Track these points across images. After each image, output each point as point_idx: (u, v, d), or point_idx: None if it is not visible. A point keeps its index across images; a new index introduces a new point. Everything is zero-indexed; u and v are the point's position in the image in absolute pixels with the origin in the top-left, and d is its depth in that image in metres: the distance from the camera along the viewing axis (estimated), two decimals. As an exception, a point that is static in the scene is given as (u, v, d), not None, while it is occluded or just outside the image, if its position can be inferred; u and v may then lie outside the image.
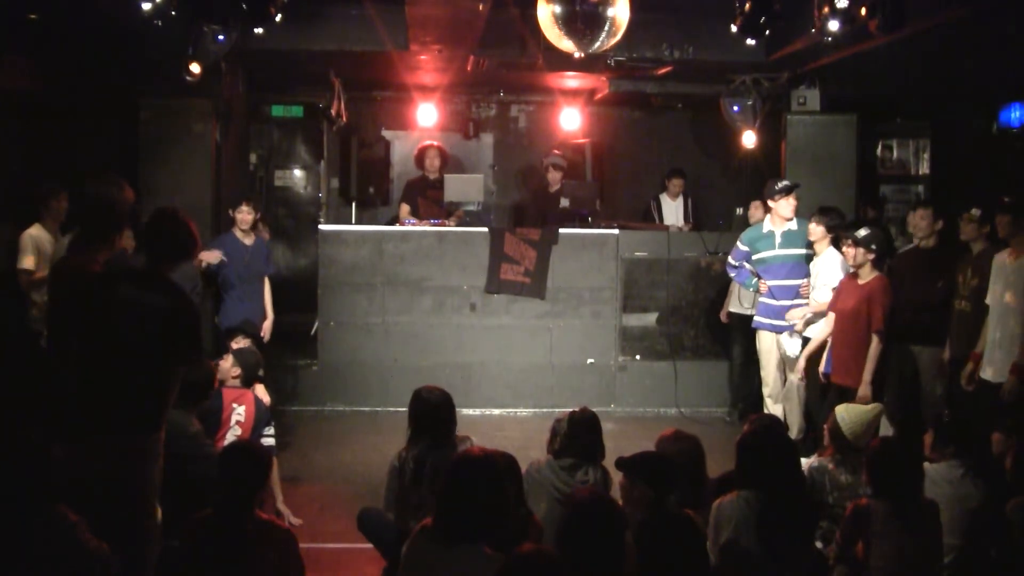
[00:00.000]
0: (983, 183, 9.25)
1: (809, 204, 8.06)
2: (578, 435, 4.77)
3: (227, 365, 5.84)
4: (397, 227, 9.03)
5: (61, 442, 4.19)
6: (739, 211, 8.99)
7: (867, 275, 6.29)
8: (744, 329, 8.21)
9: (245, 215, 7.57)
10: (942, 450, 4.70)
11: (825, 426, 5.07)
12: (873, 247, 6.24)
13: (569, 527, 3.39)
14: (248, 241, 7.62)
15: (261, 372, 6.28)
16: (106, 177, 5.83)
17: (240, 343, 6.28)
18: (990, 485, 4.54)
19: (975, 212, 6.51)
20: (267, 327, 7.70)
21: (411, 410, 4.94)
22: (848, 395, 6.01)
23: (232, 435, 5.53)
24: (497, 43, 8.00)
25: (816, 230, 6.93)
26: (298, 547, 3.77)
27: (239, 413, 5.63)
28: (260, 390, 6.63)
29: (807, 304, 7.06)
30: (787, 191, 7.25)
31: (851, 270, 6.47)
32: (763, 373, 7.50)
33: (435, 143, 9.93)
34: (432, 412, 4.87)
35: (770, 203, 7.32)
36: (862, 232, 6.28)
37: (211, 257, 7.32)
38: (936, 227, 7.01)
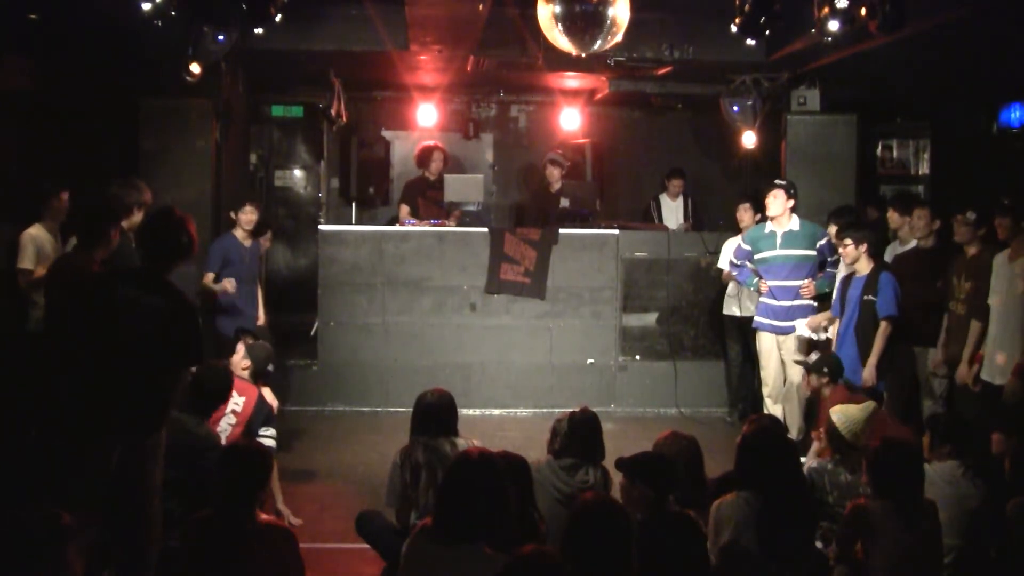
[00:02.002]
0: (983, 183, 9.25)
1: (809, 204, 8.08)
2: (578, 435, 4.78)
3: (238, 358, 5.88)
4: (397, 227, 9.03)
5: (62, 442, 4.21)
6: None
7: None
8: (740, 331, 8.23)
9: (249, 215, 7.58)
10: (939, 450, 4.71)
11: (822, 429, 5.07)
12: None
13: (575, 530, 3.39)
14: (247, 243, 7.63)
15: (271, 367, 6.31)
16: (124, 179, 5.85)
17: (249, 342, 6.34)
18: (990, 485, 4.54)
19: (970, 215, 6.52)
20: (264, 324, 7.73)
21: (413, 410, 5.02)
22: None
23: (227, 423, 5.54)
24: (497, 43, 8.00)
25: (831, 231, 7.00)
26: (298, 547, 3.77)
27: (236, 403, 5.61)
28: (267, 393, 6.64)
29: (810, 303, 7.12)
30: (770, 187, 7.29)
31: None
32: (763, 373, 7.50)
33: (437, 144, 9.94)
34: (433, 413, 4.93)
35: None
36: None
37: (229, 286, 7.38)
38: (934, 227, 7.02)
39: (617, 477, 4.66)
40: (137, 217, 5.59)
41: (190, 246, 4.47)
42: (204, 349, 4.65)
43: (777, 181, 7.38)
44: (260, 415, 5.83)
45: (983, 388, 6.11)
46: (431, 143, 9.89)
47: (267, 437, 5.80)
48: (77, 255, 5.09)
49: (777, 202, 7.22)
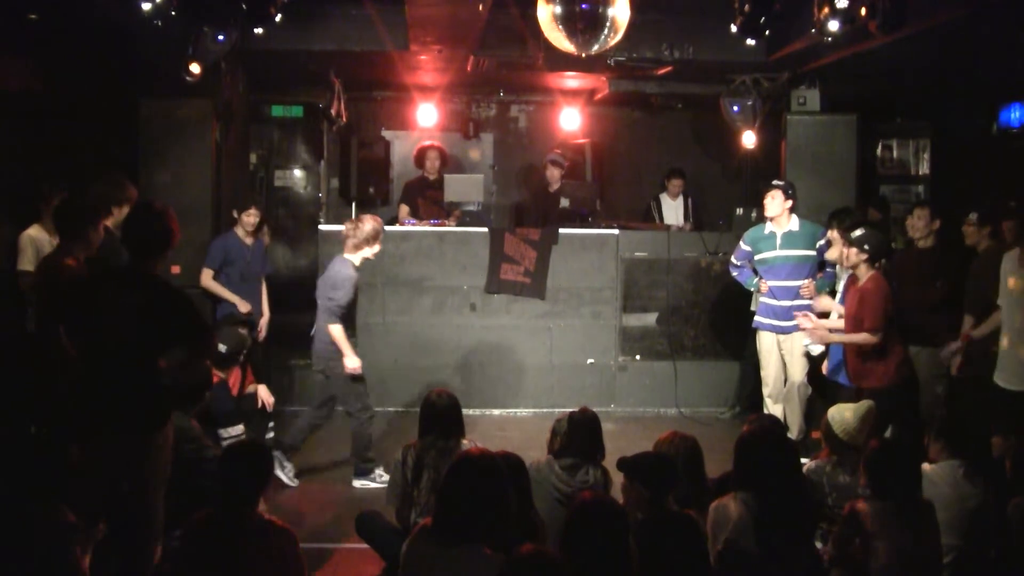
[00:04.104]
0: (983, 183, 9.25)
1: (809, 204, 8.07)
2: (578, 435, 4.79)
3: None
4: (397, 227, 9.04)
5: (61, 442, 4.20)
6: (739, 211, 8.97)
7: (864, 276, 6.29)
8: None
9: (252, 218, 7.61)
10: (938, 449, 4.71)
11: (820, 429, 5.07)
12: (866, 247, 6.24)
13: (572, 530, 3.40)
14: (249, 241, 7.65)
15: (241, 358, 6.41)
16: (106, 176, 5.85)
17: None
18: (990, 485, 4.54)
19: (972, 216, 6.53)
20: (263, 325, 7.75)
21: (421, 411, 5.09)
22: (864, 398, 5.97)
23: None
24: (497, 43, 8.00)
25: (834, 236, 6.97)
26: (298, 547, 3.78)
27: None
28: (263, 390, 6.68)
29: (810, 303, 7.13)
30: (767, 188, 7.30)
31: (850, 272, 6.49)
32: (763, 373, 7.50)
33: (435, 143, 9.94)
34: (438, 415, 4.97)
35: None
36: (856, 232, 6.29)
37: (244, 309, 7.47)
38: (933, 227, 7.01)
39: (618, 477, 4.67)
40: (122, 214, 5.57)
41: (169, 237, 4.38)
42: (207, 329, 4.64)
43: (775, 182, 7.38)
44: (221, 404, 5.82)
45: (994, 391, 6.02)
46: (428, 143, 9.91)
47: (233, 438, 5.77)
48: (60, 255, 5.07)
49: (775, 203, 7.22)
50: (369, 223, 6.59)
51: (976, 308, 6.39)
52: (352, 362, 6.38)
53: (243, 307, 7.47)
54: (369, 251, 6.63)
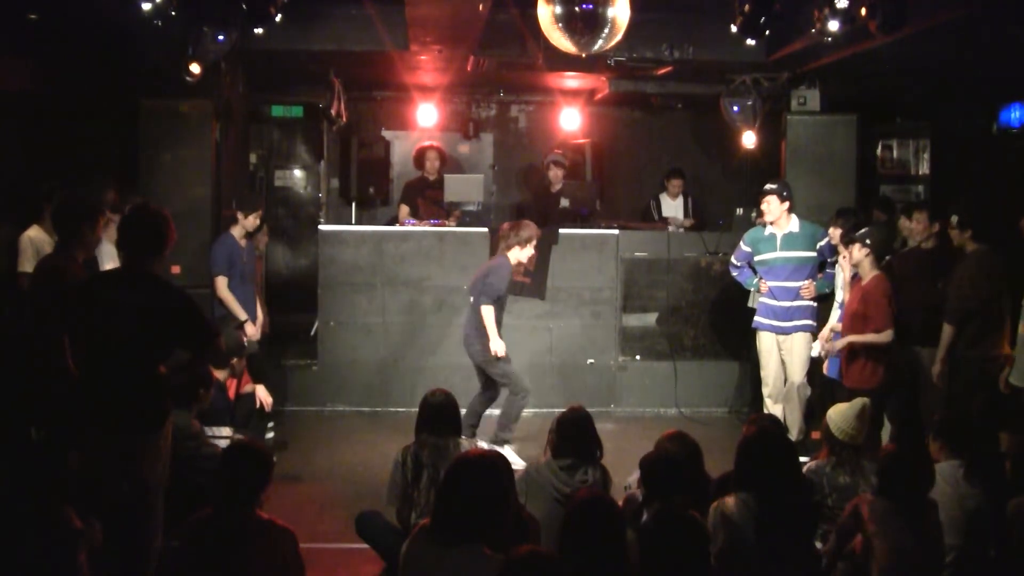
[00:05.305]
0: (983, 183, 9.24)
1: (809, 204, 8.08)
2: (567, 435, 4.77)
3: None
4: (397, 227, 9.04)
5: (62, 443, 4.21)
6: (739, 211, 8.98)
7: (867, 274, 6.30)
8: None
9: (255, 220, 7.55)
10: (939, 448, 4.71)
11: (820, 430, 5.07)
12: (868, 242, 6.24)
13: (569, 528, 3.40)
14: (243, 243, 7.61)
15: (235, 361, 6.42)
16: (98, 182, 5.84)
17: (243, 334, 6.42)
18: (990, 485, 4.54)
19: (954, 219, 6.55)
20: (261, 325, 7.70)
21: (419, 410, 5.12)
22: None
23: None
24: (497, 43, 8.00)
25: (834, 233, 6.97)
26: (298, 547, 3.78)
27: None
28: (261, 390, 6.68)
29: (810, 304, 7.14)
30: (762, 194, 7.29)
31: (853, 271, 6.50)
32: (763, 373, 7.50)
33: (434, 144, 9.94)
34: (439, 413, 4.98)
35: None
36: (859, 231, 6.31)
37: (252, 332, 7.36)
38: (933, 229, 7.02)
39: (617, 477, 4.67)
40: (111, 220, 5.57)
41: (164, 239, 4.38)
42: (212, 327, 4.64)
43: (767, 186, 7.33)
44: (214, 402, 5.83)
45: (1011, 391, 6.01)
46: (428, 143, 9.91)
47: (220, 437, 5.77)
48: (58, 256, 5.07)
49: (771, 207, 7.22)
50: (527, 228, 7.16)
51: (956, 315, 6.39)
52: (496, 344, 6.89)
53: (250, 329, 7.28)
54: (521, 252, 7.13)
